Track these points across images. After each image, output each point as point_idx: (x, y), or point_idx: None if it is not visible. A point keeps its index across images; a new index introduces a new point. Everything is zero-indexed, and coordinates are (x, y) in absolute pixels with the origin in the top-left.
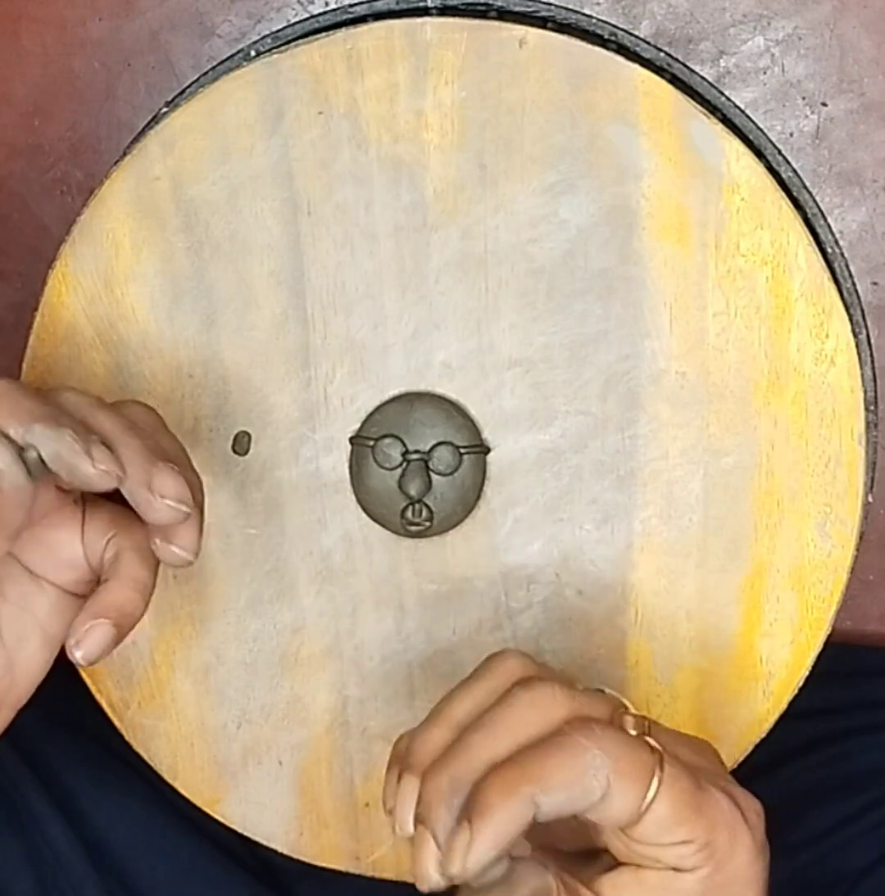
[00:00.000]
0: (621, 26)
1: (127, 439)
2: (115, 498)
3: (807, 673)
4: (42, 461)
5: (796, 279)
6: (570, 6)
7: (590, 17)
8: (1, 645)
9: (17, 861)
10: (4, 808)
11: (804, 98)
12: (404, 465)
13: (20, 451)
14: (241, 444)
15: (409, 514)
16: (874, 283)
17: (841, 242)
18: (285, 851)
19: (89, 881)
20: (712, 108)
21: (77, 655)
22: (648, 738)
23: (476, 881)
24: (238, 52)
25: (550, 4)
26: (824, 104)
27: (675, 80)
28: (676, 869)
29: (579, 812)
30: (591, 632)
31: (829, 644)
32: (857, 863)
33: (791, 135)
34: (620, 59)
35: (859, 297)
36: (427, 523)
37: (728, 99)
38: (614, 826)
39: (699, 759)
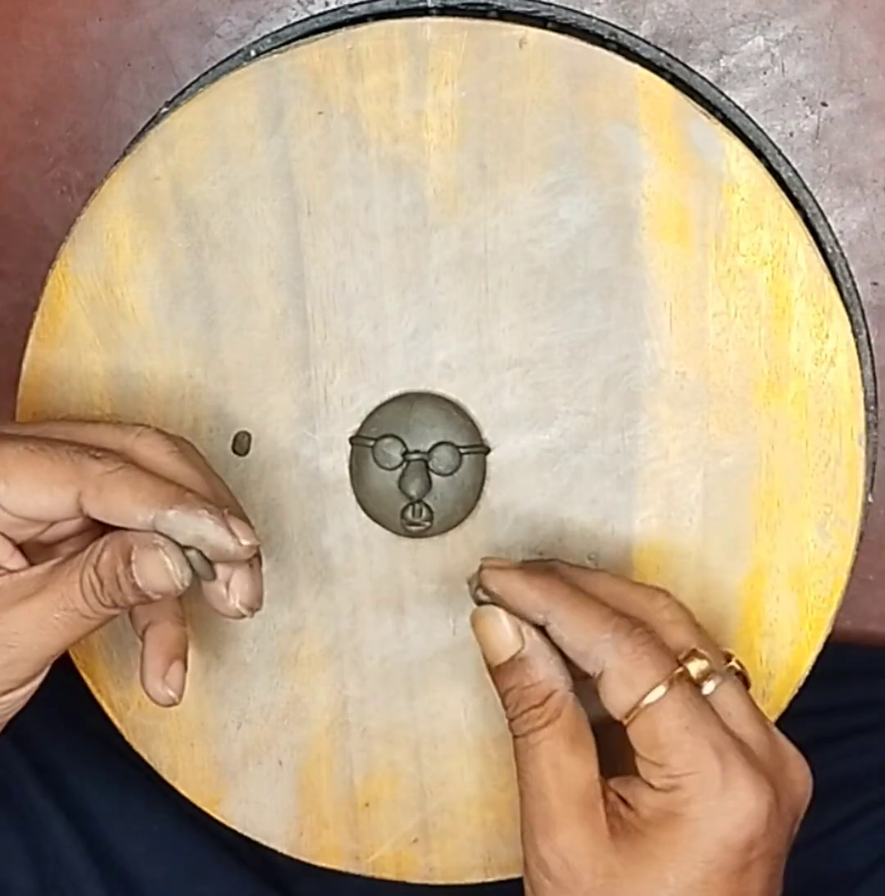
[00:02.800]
0: (621, 26)
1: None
2: None
3: (807, 673)
4: (202, 555)
5: (796, 279)
6: (570, 6)
7: (590, 17)
8: None
9: (18, 859)
10: (6, 806)
11: (804, 98)
12: (404, 465)
13: (184, 551)
14: (241, 444)
15: (409, 514)
16: (874, 283)
17: (841, 242)
18: (285, 851)
19: (90, 879)
20: (712, 108)
21: (172, 695)
22: (689, 666)
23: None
24: (238, 52)
25: (550, 4)
26: (824, 104)
27: (675, 80)
28: (647, 782)
29: (574, 659)
30: None
31: (829, 644)
32: (858, 863)
33: (791, 135)
34: (620, 59)
35: (859, 297)
36: (427, 523)
37: (728, 99)
38: (610, 707)
39: (761, 745)
